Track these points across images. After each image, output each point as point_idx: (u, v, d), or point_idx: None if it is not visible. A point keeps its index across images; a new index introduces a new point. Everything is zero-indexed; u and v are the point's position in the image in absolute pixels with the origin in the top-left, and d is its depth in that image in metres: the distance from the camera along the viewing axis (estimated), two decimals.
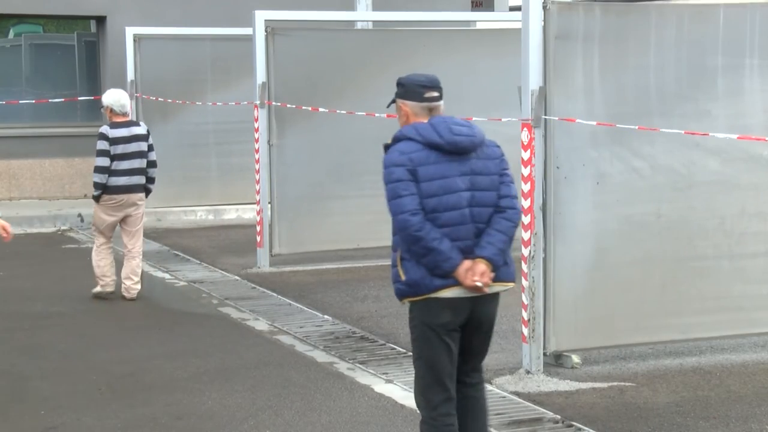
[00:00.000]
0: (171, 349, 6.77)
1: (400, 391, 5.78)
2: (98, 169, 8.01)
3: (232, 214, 13.06)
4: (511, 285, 4.23)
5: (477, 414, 4.28)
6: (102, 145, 8.00)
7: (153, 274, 9.42)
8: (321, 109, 9.46)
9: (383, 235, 9.73)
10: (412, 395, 5.64)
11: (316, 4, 12.37)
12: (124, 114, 8.13)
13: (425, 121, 4.28)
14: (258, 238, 9.55)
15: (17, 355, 6.63)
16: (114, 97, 8.18)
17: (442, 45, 10.13)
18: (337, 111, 9.43)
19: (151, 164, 8.21)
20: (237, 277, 9.13)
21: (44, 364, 6.40)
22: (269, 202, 9.57)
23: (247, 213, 12.46)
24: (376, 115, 9.42)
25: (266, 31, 9.44)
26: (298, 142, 9.63)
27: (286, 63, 9.55)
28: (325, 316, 7.60)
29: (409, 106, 4.36)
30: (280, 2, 12.66)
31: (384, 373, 6.10)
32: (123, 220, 8.25)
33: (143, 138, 8.14)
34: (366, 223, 9.87)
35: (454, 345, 4.16)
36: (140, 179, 8.14)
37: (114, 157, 8.00)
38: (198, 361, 6.46)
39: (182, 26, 13.22)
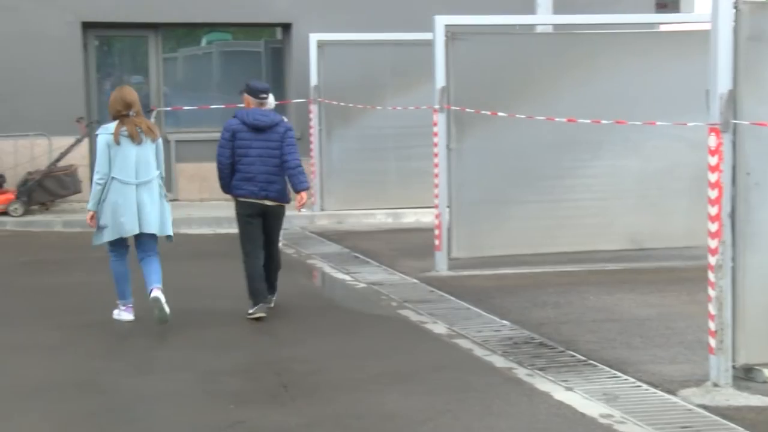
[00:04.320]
0: (351, 350, 6.90)
1: (580, 399, 5.69)
2: None
3: (410, 217, 13.19)
4: (278, 203, 7.79)
5: (274, 266, 7.95)
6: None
7: (334, 276, 9.64)
8: (500, 114, 9.43)
9: (562, 240, 9.77)
10: (593, 404, 5.60)
11: (495, 8, 12.33)
12: None
13: (253, 108, 7.72)
14: (436, 242, 9.61)
15: (206, 350, 6.89)
16: None
17: (625, 47, 9.93)
18: (516, 115, 9.38)
19: None
20: (415, 280, 9.22)
21: (232, 360, 6.63)
22: (448, 206, 9.62)
23: (425, 216, 12.57)
24: (556, 119, 9.33)
25: (446, 35, 9.48)
26: (477, 146, 9.63)
27: (465, 67, 9.57)
28: (504, 321, 7.58)
29: (249, 99, 7.78)
30: (460, 7, 12.70)
31: (564, 381, 6.03)
32: None
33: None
34: (545, 229, 9.79)
35: (254, 225, 7.73)
36: None
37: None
38: (377, 362, 6.56)
39: (364, 32, 13.47)
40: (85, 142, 13.45)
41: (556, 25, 11.98)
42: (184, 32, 14.96)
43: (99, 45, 14.49)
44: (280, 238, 9.94)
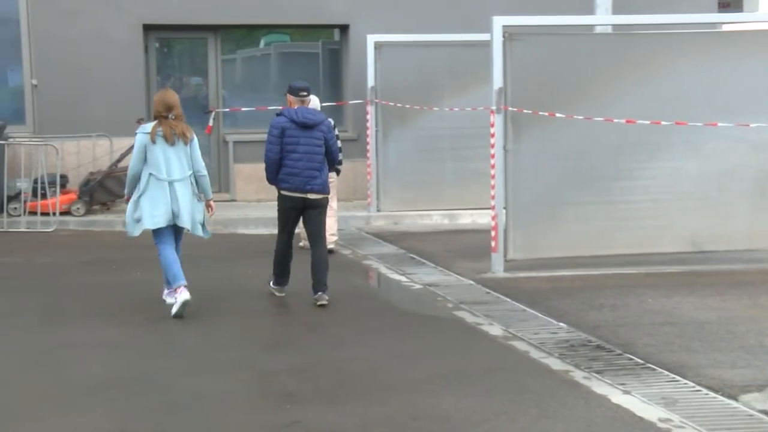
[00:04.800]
0: (406, 351, 6.91)
1: (638, 403, 5.64)
2: None
3: (466, 218, 13.17)
4: (321, 196, 8.27)
5: (320, 262, 8.25)
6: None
7: (390, 277, 9.66)
8: (558, 115, 9.37)
9: (620, 242, 9.68)
10: (651, 408, 5.54)
11: (553, 8, 12.27)
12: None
13: (297, 107, 8.30)
14: (493, 243, 9.58)
15: (260, 350, 6.96)
16: None
17: (685, 47, 9.81)
18: (574, 116, 9.32)
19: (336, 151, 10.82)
20: (471, 282, 9.20)
21: (288, 360, 6.66)
22: (504, 208, 9.58)
23: (481, 218, 12.54)
24: (615, 120, 9.25)
25: (504, 36, 9.45)
26: (534, 147, 9.58)
27: (522, 68, 9.53)
28: (560, 324, 7.53)
29: (291, 98, 8.38)
30: (517, 7, 12.66)
31: (621, 384, 5.97)
32: None
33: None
34: (602, 231, 9.71)
35: (292, 217, 8.36)
36: None
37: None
38: (433, 363, 6.56)
39: (421, 33, 13.47)
40: None
41: (615, 26, 11.87)
42: (243, 34, 15.09)
43: (159, 47, 14.68)
44: (334, 235, 10.31)
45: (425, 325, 7.68)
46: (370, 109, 13.38)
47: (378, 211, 13.36)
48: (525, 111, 9.44)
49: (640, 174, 9.74)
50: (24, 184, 12.90)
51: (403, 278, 9.50)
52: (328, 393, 5.94)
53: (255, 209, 13.51)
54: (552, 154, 9.62)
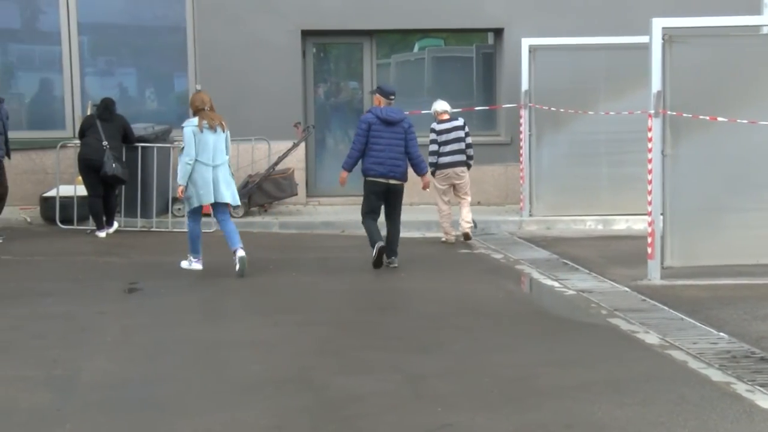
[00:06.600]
0: (559, 357, 6.83)
1: None
2: (431, 153, 11.37)
3: (621, 224, 12.92)
4: (400, 182, 9.91)
5: (395, 234, 9.93)
6: (431, 135, 11.51)
7: (542, 282, 9.57)
8: (720, 119, 9.09)
9: None
10: None
11: (716, 9, 11.90)
12: (442, 113, 11.63)
13: (383, 106, 9.79)
14: (649, 250, 9.37)
15: (414, 353, 6.98)
16: (434, 105, 11.83)
17: None
18: (738, 120, 9.01)
19: (468, 146, 11.54)
20: (626, 289, 9.02)
21: (439, 363, 6.69)
22: (661, 214, 9.36)
23: (637, 224, 12.28)
24: None
25: (663, 38, 9.23)
26: (694, 152, 9.33)
27: (682, 71, 9.29)
28: (721, 334, 7.30)
29: (381, 98, 9.86)
30: (677, 9, 12.33)
31: None
32: (454, 188, 11.60)
33: (460, 128, 11.53)
34: (766, 238, 9.36)
35: (377, 200, 9.87)
36: (461, 157, 11.48)
37: (441, 144, 11.41)
38: (586, 370, 6.47)
39: (577, 36, 13.29)
40: (302, 146, 13.94)
41: None
42: (398, 38, 15.22)
43: (316, 52, 14.97)
44: (469, 223, 11.64)
45: (578, 331, 7.58)
46: (524, 113, 13.29)
47: (530, 215, 13.25)
48: (684, 115, 9.19)
49: None
50: None
51: (555, 284, 9.40)
52: (478, 397, 5.93)
53: (407, 213, 13.52)
54: (712, 159, 9.35)
